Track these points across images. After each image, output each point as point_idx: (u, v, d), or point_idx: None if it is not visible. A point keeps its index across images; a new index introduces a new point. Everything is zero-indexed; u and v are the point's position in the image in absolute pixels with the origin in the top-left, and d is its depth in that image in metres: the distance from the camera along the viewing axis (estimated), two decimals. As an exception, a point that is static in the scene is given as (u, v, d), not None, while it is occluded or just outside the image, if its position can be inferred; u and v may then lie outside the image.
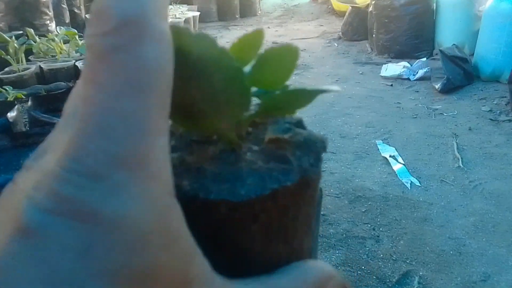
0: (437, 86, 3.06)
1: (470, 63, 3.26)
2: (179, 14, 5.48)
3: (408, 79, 3.37)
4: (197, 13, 5.87)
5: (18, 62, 1.89)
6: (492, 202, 1.83)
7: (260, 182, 0.16)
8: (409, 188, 1.95)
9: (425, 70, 3.33)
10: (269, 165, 0.17)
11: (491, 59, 3.14)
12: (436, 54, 3.67)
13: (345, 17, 4.82)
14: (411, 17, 3.78)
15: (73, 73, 1.91)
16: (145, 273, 0.13)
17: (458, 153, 2.24)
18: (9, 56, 1.88)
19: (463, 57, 3.19)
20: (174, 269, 0.13)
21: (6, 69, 1.90)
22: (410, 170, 2.09)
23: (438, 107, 2.88)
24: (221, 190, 0.16)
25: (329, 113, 2.84)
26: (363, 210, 1.80)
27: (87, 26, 0.14)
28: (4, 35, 1.94)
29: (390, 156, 2.22)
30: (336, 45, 4.66)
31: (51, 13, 3.13)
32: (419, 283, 1.42)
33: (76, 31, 2.27)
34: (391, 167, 2.12)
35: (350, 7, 4.76)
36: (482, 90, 3.08)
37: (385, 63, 3.69)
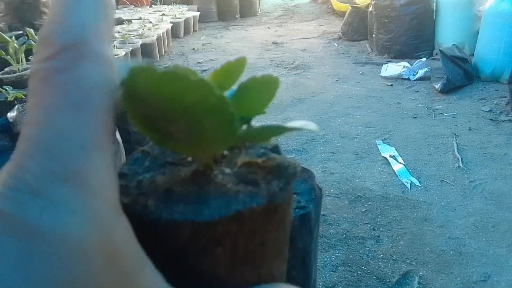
0: (437, 86, 3.06)
1: (470, 63, 3.26)
2: (179, 14, 5.49)
3: (408, 79, 3.37)
4: (197, 13, 5.88)
5: (18, 62, 1.90)
6: (492, 202, 1.83)
7: (225, 204, 0.16)
8: (409, 188, 1.95)
9: (425, 70, 3.33)
10: (237, 187, 0.17)
11: (491, 59, 3.14)
12: (436, 54, 3.67)
13: (345, 17, 4.82)
14: (411, 17, 3.78)
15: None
16: None
17: (458, 153, 2.24)
18: (9, 56, 1.88)
19: (463, 57, 3.19)
20: (119, 285, 0.13)
21: (6, 69, 1.90)
22: (410, 170, 2.09)
23: (438, 107, 2.88)
24: (185, 211, 0.16)
25: (329, 113, 2.84)
26: (363, 210, 1.80)
27: (34, 54, 0.14)
28: (4, 35, 1.94)
29: (390, 156, 2.22)
30: (336, 45, 4.65)
31: (51, 13, 3.13)
32: (419, 283, 1.42)
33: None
34: (391, 167, 2.12)
35: (350, 7, 4.76)
36: (482, 90, 3.08)
37: (385, 63, 3.69)
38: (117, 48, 3.29)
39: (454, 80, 3.07)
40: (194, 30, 5.69)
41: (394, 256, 1.54)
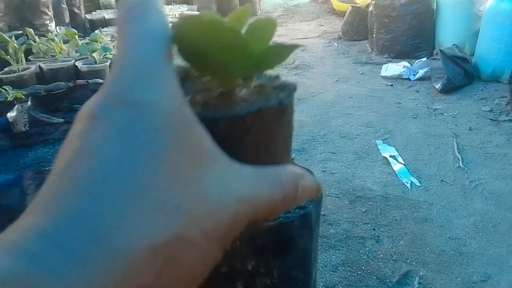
0: (438, 86, 3.06)
1: (471, 63, 3.26)
2: (179, 14, 5.49)
3: (409, 79, 3.37)
4: (197, 13, 5.88)
5: (18, 62, 1.89)
6: (492, 202, 1.82)
7: (249, 106, 0.22)
8: (409, 188, 1.95)
9: (425, 70, 3.33)
10: (255, 97, 0.23)
11: (492, 59, 3.14)
12: (437, 54, 3.67)
13: (345, 17, 4.82)
14: (411, 17, 3.78)
15: (73, 73, 1.91)
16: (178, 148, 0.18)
17: (459, 153, 2.24)
18: (9, 56, 1.88)
19: (464, 57, 3.19)
20: (192, 145, 0.18)
21: (6, 69, 1.90)
22: (410, 170, 2.09)
23: (438, 107, 2.88)
24: (222, 112, 0.22)
25: (330, 113, 2.84)
26: (363, 210, 1.80)
27: (116, 10, 0.21)
28: (4, 35, 1.94)
29: (390, 156, 2.22)
30: (336, 45, 4.65)
31: (50, 13, 3.13)
32: (419, 283, 1.42)
33: (75, 31, 2.27)
34: (391, 167, 2.12)
35: (350, 7, 4.76)
36: (482, 90, 3.08)
37: (385, 63, 3.69)
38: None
39: (454, 80, 3.07)
40: (194, 30, 5.69)
41: (394, 256, 1.54)
